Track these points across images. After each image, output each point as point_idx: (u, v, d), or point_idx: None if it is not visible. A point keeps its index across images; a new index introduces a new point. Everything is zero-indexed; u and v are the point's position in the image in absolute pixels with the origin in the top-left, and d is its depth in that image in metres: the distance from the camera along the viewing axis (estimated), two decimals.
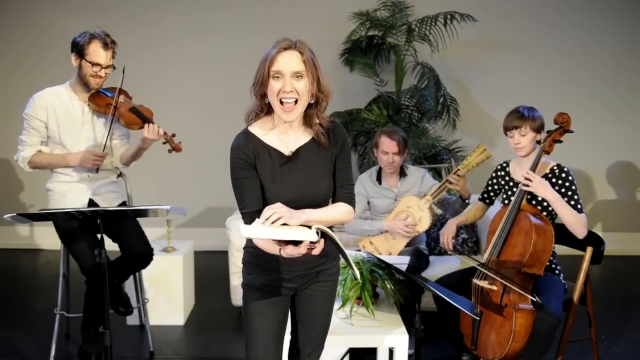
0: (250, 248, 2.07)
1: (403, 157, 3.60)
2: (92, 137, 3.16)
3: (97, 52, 3.04)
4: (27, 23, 5.50)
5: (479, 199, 3.31)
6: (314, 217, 1.87)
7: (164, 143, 3.23)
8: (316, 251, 1.77)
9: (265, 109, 1.97)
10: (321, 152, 2.00)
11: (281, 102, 1.88)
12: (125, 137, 3.31)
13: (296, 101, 1.88)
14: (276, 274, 2.04)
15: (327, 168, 2.02)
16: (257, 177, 1.95)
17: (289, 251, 1.76)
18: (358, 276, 1.92)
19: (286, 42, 1.88)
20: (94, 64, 3.04)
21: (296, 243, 1.75)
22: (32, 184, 5.65)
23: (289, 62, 1.85)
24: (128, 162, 3.27)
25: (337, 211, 2.01)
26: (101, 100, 3.14)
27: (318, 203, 1.98)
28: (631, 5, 5.47)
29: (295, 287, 2.09)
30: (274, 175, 1.95)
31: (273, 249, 1.83)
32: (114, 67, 3.13)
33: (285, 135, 1.98)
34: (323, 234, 1.76)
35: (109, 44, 3.06)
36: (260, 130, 1.98)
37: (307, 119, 1.98)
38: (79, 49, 3.05)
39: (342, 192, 2.05)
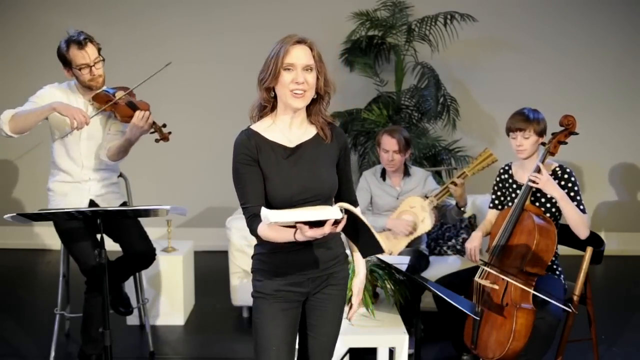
0: (259, 255, 2.06)
1: (404, 156, 3.60)
2: (91, 135, 3.14)
3: (76, 56, 2.98)
4: (27, 23, 5.49)
5: (490, 207, 3.23)
6: None
7: (152, 132, 3.16)
8: (339, 228, 1.76)
9: (271, 103, 1.99)
10: (325, 147, 2.03)
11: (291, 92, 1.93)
12: (120, 134, 3.19)
13: (305, 92, 1.94)
14: (287, 278, 2.02)
15: (330, 163, 2.04)
16: (260, 173, 1.96)
17: (310, 233, 1.73)
18: (385, 248, 1.90)
19: (296, 36, 1.94)
20: (81, 67, 2.99)
21: (317, 224, 1.74)
22: (32, 184, 5.64)
23: (301, 55, 1.92)
24: (114, 156, 3.14)
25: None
26: (103, 98, 3.11)
27: (323, 197, 1.99)
28: (631, 5, 5.47)
29: (307, 292, 2.06)
30: (278, 169, 1.96)
31: (287, 237, 1.81)
32: (103, 59, 3.05)
33: (288, 131, 2.00)
34: (346, 211, 1.75)
35: (81, 41, 2.97)
36: (263, 127, 2.00)
37: (310, 115, 2.02)
38: (64, 61, 3.02)
39: (348, 194, 2.11)
